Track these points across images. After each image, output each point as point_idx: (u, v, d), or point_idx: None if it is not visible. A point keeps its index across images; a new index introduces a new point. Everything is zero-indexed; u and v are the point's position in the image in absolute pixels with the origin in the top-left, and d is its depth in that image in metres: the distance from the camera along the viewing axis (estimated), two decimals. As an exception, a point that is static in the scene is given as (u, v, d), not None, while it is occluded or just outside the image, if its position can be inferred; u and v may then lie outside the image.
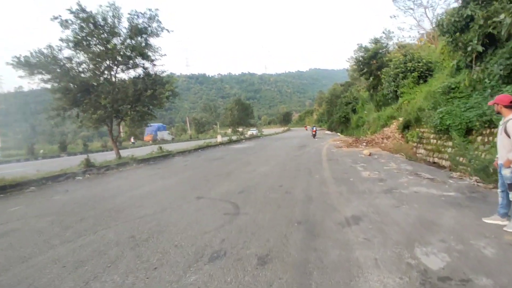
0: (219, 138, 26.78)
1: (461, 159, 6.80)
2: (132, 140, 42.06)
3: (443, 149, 9.60)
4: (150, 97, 12.34)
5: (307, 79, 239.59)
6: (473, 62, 6.84)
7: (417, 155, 11.54)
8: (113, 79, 12.42)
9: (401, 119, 15.97)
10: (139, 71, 12.71)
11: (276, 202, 5.02)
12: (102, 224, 4.37)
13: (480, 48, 6.66)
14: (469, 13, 8.16)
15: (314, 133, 27.64)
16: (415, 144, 12.50)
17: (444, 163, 9.20)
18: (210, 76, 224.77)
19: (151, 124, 32.12)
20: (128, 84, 12.23)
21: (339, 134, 34.38)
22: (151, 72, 12.72)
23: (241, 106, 34.00)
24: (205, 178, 8.06)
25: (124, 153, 15.63)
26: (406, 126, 13.81)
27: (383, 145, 14.21)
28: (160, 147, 16.56)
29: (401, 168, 8.04)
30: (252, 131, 41.72)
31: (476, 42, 6.69)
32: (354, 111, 30.81)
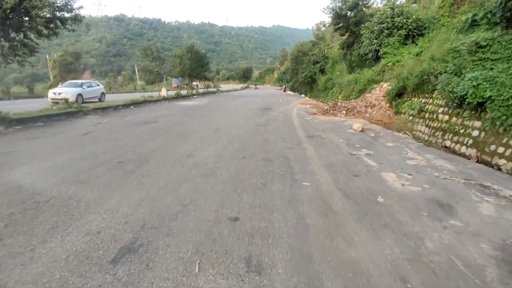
0: (163, 92, 21.59)
1: None
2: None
3: (462, 130, 6.81)
4: (19, 14, 6.95)
5: (270, 36, 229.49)
6: None
7: (415, 132, 8.81)
8: None
9: (385, 84, 13.09)
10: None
11: None
12: None
13: None
14: None
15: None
16: (410, 118, 9.73)
17: (465, 150, 6.45)
18: (166, 22, 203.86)
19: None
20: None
21: (303, 95, 31.31)
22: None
23: (195, 55, 27.73)
24: (89, 175, 4.02)
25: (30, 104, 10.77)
26: (398, 94, 10.91)
27: (368, 115, 11.24)
28: (66, 100, 11.43)
29: (435, 165, 4.91)
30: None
31: None
32: (322, 71, 27.42)
